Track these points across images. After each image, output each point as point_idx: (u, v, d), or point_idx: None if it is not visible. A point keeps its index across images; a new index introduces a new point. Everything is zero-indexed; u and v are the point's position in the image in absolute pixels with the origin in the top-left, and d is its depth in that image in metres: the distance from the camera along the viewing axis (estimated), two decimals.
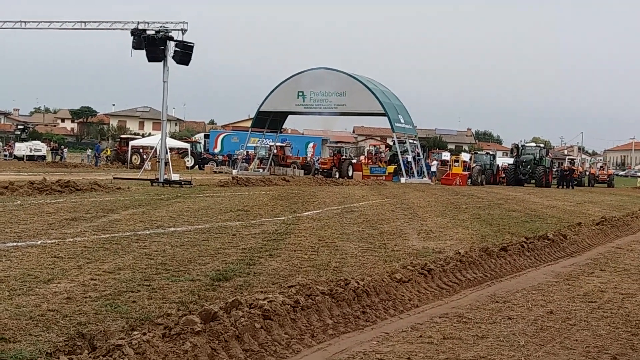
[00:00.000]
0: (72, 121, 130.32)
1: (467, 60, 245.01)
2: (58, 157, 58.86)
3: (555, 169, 58.48)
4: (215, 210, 17.14)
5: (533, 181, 50.89)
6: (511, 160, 54.96)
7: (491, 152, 59.07)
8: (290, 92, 49.50)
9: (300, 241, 11.98)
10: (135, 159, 52.81)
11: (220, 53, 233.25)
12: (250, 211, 17.42)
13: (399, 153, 48.96)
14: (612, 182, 63.34)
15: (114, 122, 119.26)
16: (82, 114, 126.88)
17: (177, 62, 28.70)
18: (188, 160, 54.94)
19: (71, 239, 10.91)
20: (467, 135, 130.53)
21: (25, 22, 33.87)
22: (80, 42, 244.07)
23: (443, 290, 8.57)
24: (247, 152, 56.17)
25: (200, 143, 63.91)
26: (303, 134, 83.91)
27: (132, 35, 28.63)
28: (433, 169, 53.37)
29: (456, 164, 50.27)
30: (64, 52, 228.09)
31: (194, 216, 15.46)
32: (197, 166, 54.74)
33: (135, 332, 5.29)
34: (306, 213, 17.80)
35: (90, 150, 63.47)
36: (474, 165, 51.58)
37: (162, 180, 27.64)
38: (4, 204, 16.16)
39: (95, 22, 32.59)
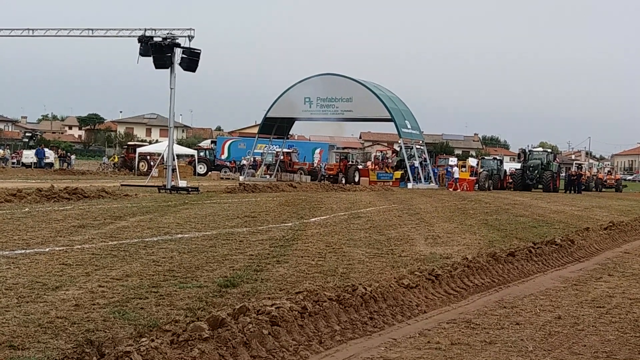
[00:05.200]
0: (80, 128, 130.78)
1: (474, 65, 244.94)
2: (65, 164, 59.05)
3: (562, 174, 58.30)
4: (222, 217, 17.16)
5: (540, 186, 50.74)
6: (518, 166, 54.84)
7: (498, 157, 58.97)
8: (297, 98, 49.61)
9: (307, 247, 11.99)
10: (142, 165, 52.94)
11: (227, 59, 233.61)
12: (258, 217, 17.44)
13: (405, 159, 48.93)
14: (619, 186, 63.17)
15: (121, 129, 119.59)
16: (90, 121, 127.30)
17: (184, 69, 28.77)
18: (201, 168, 55.07)
19: (79, 246, 10.94)
20: (474, 141, 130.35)
21: (32, 29, 33.98)
22: (88, 49, 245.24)
23: (451, 295, 8.56)
24: (254, 158, 56.27)
25: (213, 150, 64.15)
26: (310, 140, 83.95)
27: (139, 42, 28.71)
28: (456, 175, 48.08)
29: (463, 169, 50.17)
30: (72, 60, 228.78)
31: (201, 223, 15.48)
32: (209, 173, 54.82)
33: (144, 339, 5.31)
34: (313, 219, 17.81)
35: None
36: (481, 170, 51.48)
37: (169, 187, 27.69)
38: (12, 212, 16.22)
39: (102, 29, 32.67)
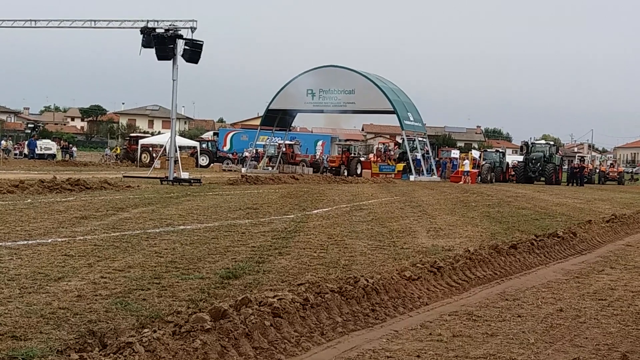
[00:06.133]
0: (82, 120, 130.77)
1: (476, 57, 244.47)
2: (68, 156, 59.10)
3: (565, 167, 58.27)
4: (224, 209, 17.17)
5: (543, 179, 50.74)
6: (521, 158, 54.83)
7: (501, 150, 58.95)
8: (299, 90, 49.55)
9: (309, 239, 11.99)
10: (144, 157, 52.98)
11: (229, 51, 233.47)
12: (260, 209, 17.44)
13: (408, 151, 48.91)
14: (622, 179, 63.15)
15: (123, 121, 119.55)
16: (92, 113, 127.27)
17: (187, 61, 28.75)
18: (203, 159, 55.10)
19: (81, 237, 10.95)
20: (476, 133, 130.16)
21: (35, 20, 33.99)
22: (90, 40, 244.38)
23: (452, 288, 8.56)
24: (256, 150, 56.24)
25: (215, 141, 64.15)
26: (312, 132, 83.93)
27: (141, 33, 28.68)
28: (467, 168, 47.36)
29: (465, 162, 50.12)
30: (74, 51, 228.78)
31: (203, 214, 15.49)
32: (212, 165, 54.85)
33: (146, 330, 5.31)
34: (315, 211, 17.81)
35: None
36: (484, 163, 51.46)
37: (171, 179, 27.71)
38: (15, 203, 16.23)
39: (104, 20, 32.69)
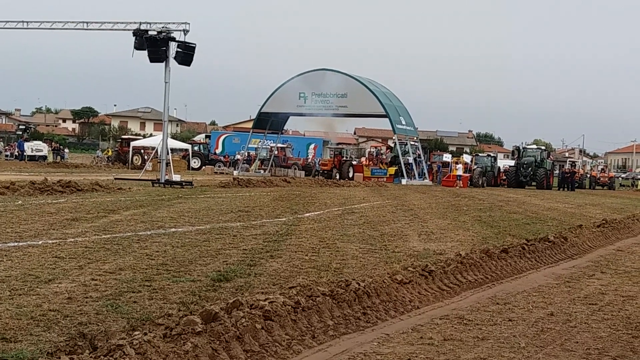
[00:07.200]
0: (74, 121, 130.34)
1: (469, 61, 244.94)
2: (59, 158, 58.87)
3: (556, 172, 58.47)
4: (216, 211, 17.14)
5: (534, 183, 50.87)
6: (512, 163, 54.95)
7: (492, 154, 59.04)
8: (291, 93, 49.48)
9: (301, 242, 11.99)
10: (136, 159, 52.81)
11: (222, 54, 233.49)
12: (251, 212, 17.42)
13: (400, 155, 48.93)
14: (612, 184, 63.38)
15: (115, 123, 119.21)
16: (84, 115, 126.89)
17: (179, 63, 28.73)
18: (195, 162, 55.02)
19: (72, 239, 10.92)
20: (468, 137, 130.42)
21: (27, 22, 33.91)
22: (82, 42, 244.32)
23: (444, 291, 8.57)
24: (248, 153, 56.18)
25: (207, 144, 64.05)
26: (304, 135, 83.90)
27: (134, 35, 28.65)
28: (459, 172, 47.67)
29: (458, 166, 50.18)
30: (66, 53, 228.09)
31: (195, 217, 15.47)
32: (203, 167, 54.78)
33: (136, 332, 5.30)
34: (307, 214, 17.81)
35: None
36: (475, 167, 51.54)
37: (163, 181, 27.65)
38: (5, 204, 16.17)
39: (97, 22, 32.60)
